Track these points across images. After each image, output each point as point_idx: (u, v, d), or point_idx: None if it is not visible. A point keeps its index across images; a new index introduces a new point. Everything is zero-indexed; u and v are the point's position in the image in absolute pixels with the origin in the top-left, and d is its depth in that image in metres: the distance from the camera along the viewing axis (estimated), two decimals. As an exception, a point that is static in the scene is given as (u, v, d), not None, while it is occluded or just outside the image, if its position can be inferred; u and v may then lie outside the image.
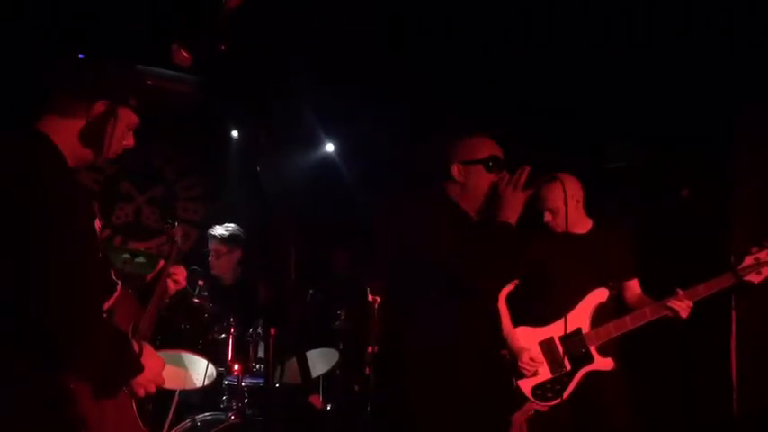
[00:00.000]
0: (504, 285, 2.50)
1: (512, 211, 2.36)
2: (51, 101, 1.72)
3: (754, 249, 3.01)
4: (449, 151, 2.50)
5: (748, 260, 2.99)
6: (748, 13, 3.63)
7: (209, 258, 4.20)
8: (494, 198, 2.41)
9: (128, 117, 1.81)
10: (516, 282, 3.18)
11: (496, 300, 2.55)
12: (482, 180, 2.44)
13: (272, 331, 2.24)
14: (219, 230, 4.21)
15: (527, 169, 2.38)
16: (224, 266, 4.20)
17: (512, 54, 4.28)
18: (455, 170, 2.45)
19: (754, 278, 2.98)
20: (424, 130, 4.63)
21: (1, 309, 1.53)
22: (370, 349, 4.19)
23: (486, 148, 2.47)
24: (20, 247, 1.51)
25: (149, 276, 2.21)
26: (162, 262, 2.24)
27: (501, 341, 2.55)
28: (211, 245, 4.20)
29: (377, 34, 4.20)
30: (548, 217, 3.16)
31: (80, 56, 1.87)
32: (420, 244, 2.33)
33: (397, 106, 4.85)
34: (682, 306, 2.98)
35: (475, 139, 2.51)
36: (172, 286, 2.20)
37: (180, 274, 2.22)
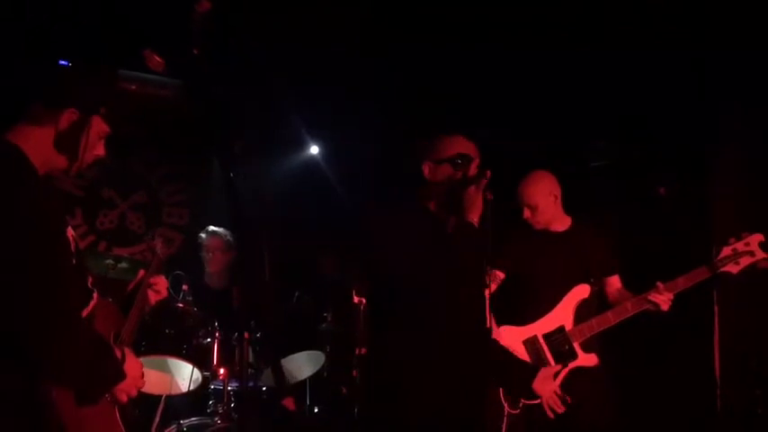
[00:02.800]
0: (477, 287, 2.44)
1: (471, 209, 2.34)
2: (22, 109, 1.71)
3: (732, 240, 3.04)
4: (421, 150, 2.50)
5: (726, 251, 3.02)
6: (729, 12, 3.67)
7: (204, 254, 4.20)
8: (457, 197, 2.38)
9: (98, 126, 1.80)
10: (497, 283, 3.19)
11: (474, 303, 2.46)
12: (449, 178, 2.43)
13: (246, 335, 2.22)
14: (218, 229, 4.24)
15: (476, 162, 2.39)
16: (218, 263, 4.21)
17: (494, 53, 4.30)
18: (426, 169, 2.46)
19: (732, 269, 3.00)
20: (406, 130, 4.66)
21: None
22: (357, 351, 4.19)
23: (456, 145, 2.46)
24: None
25: (130, 286, 2.20)
26: (142, 272, 2.23)
27: (485, 340, 2.52)
28: (209, 240, 4.22)
29: (361, 36, 4.21)
30: (526, 213, 3.18)
31: (61, 63, 1.86)
32: (392, 255, 2.32)
33: (382, 107, 4.86)
34: (662, 299, 3.00)
35: (446, 137, 2.50)
36: (152, 296, 2.18)
37: (161, 284, 2.20)
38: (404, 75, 4.60)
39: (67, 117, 1.72)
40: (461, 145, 2.46)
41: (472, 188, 2.34)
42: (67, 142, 1.73)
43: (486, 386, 2.70)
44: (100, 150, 1.83)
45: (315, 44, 4.20)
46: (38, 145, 1.70)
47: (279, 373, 2.34)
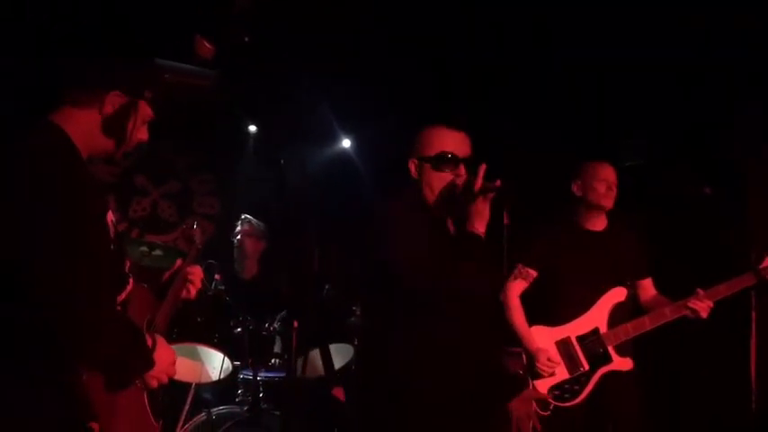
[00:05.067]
0: (475, 298, 2.28)
1: (475, 219, 2.15)
2: (66, 92, 1.70)
3: None
4: (410, 145, 2.32)
5: None
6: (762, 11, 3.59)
7: (237, 239, 4.23)
8: (452, 201, 2.21)
9: (143, 110, 1.78)
10: (529, 281, 3.14)
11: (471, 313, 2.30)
12: (433, 178, 2.24)
13: (295, 324, 2.19)
14: (252, 218, 4.28)
15: (483, 168, 2.15)
16: (249, 252, 4.23)
17: (528, 51, 4.26)
18: (411, 166, 2.29)
19: None
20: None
21: (12, 300, 1.53)
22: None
23: (439, 142, 2.25)
24: (28, 237, 1.50)
25: (166, 275, 2.20)
26: (179, 261, 2.24)
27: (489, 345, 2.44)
28: (243, 227, 4.24)
29: (396, 31, 4.19)
30: (601, 187, 3.09)
31: (97, 48, 1.85)
32: (386, 254, 2.18)
33: (414, 102, 4.84)
34: (702, 306, 2.95)
35: (429, 132, 2.30)
36: (188, 286, 2.19)
37: (197, 274, 2.20)
38: (430, 71, 4.58)
39: (111, 100, 1.71)
40: (444, 140, 2.26)
41: (479, 200, 2.15)
42: (112, 125, 1.72)
43: (492, 394, 2.61)
44: (143, 135, 1.81)
45: (346, 34, 4.19)
46: (81, 128, 1.69)
47: (328, 361, 2.32)
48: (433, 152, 2.25)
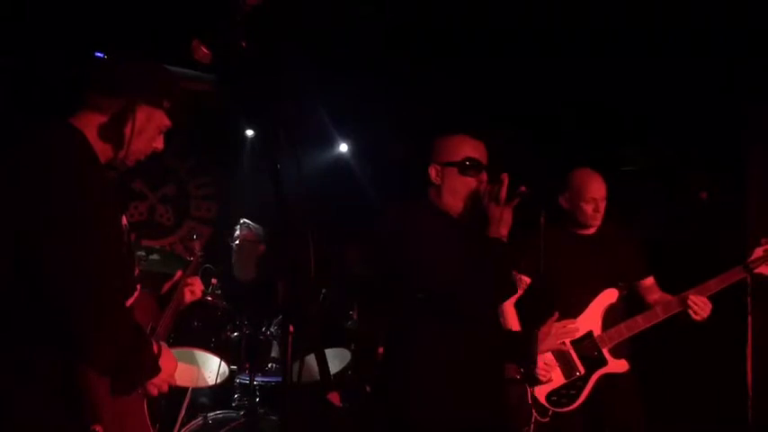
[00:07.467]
0: (494, 304, 2.43)
1: (500, 225, 2.22)
2: (86, 97, 1.73)
3: (764, 241, 2.99)
4: (429, 151, 2.40)
5: (758, 252, 2.98)
6: (760, 14, 3.62)
7: (234, 244, 4.23)
8: (476, 207, 2.28)
9: (160, 119, 1.81)
10: (523, 288, 3.14)
11: (489, 319, 2.42)
12: (458, 183, 2.32)
13: (291, 328, 2.20)
14: (250, 222, 4.28)
15: (506, 178, 2.23)
16: (248, 256, 4.23)
17: (527, 56, 4.27)
18: (432, 171, 2.36)
19: (764, 270, 2.96)
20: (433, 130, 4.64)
21: (24, 299, 1.54)
22: (381, 349, 4.18)
23: (464, 148, 2.34)
24: (47, 237, 1.51)
25: (166, 286, 2.22)
26: (179, 272, 2.26)
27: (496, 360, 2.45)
28: (242, 231, 4.24)
29: (393, 33, 4.20)
30: (588, 208, 3.08)
31: (99, 55, 1.87)
32: (406, 259, 2.24)
33: (412, 107, 4.86)
34: (695, 302, 2.95)
35: (453, 139, 2.39)
36: (188, 297, 2.21)
37: (196, 285, 2.24)
38: (437, 74, 4.59)
39: (132, 108, 1.73)
40: (469, 147, 2.35)
41: (507, 209, 2.23)
42: (129, 134, 1.74)
43: (505, 393, 2.66)
44: (159, 144, 1.84)
45: (344, 36, 4.20)
46: (98, 133, 1.72)
47: (324, 366, 2.34)
48: (458, 158, 2.33)
